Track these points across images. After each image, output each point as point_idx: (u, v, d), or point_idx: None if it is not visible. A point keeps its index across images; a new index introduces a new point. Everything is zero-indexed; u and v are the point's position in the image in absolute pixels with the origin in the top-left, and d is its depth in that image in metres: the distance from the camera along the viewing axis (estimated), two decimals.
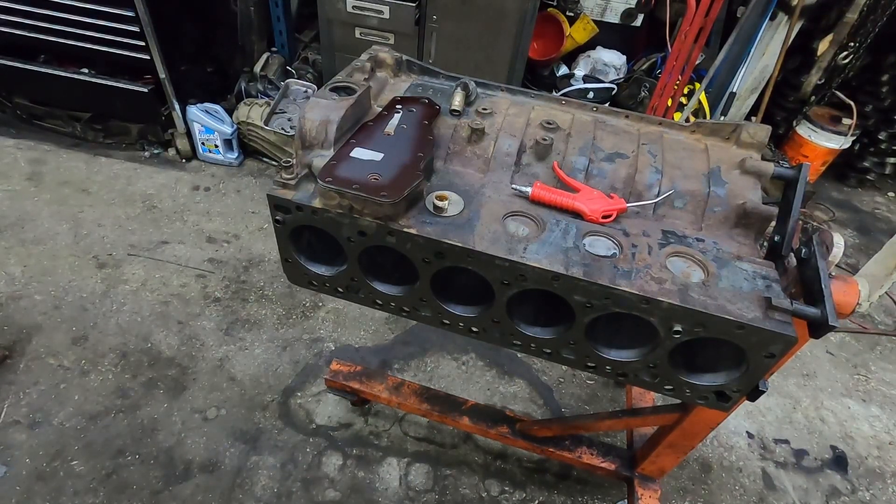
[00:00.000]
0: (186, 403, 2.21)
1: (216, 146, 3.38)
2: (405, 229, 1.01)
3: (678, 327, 0.96)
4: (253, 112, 3.26)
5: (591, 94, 3.45)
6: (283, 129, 3.18)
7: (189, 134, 3.38)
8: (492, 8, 2.79)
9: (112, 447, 2.05)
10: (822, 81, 3.46)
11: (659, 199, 1.14)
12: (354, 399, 2.16)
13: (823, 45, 3.28)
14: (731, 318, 0.92)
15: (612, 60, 3.58)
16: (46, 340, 2.37)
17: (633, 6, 3.34)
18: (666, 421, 1.59)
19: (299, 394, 2.30)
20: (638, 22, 3.42)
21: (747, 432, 2.35)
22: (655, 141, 1.25)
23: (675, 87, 3.09)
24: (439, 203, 1.05)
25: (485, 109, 1.27)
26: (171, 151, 3.50)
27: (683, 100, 3.32)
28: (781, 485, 2.19)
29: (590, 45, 3.61)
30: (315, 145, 1.13)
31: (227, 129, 3.30)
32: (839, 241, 1.03)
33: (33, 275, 2.64)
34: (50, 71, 3.16)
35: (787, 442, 2.34)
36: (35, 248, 2.78)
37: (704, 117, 3.38)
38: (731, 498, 2.14)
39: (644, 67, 3.54)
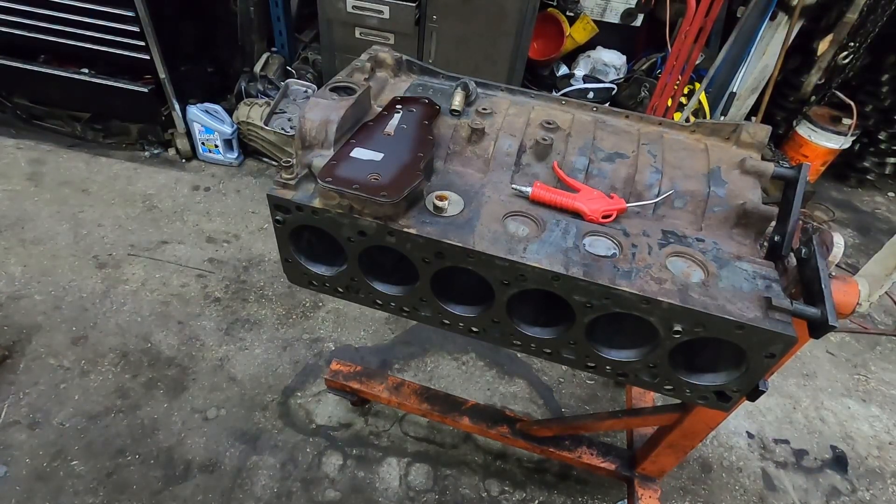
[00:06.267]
0: (186, 403, 2.21)
1: (216, 146, 3.38)
2: (405, 229, 1.01)
3: (678, 327, 0.96)
4: (253, 112, 3.26)
5: (591, 94, 3.45)
6: (283, 129, 3.18)
7: (189, 134, 3.38)
8: (492, 8, 2.79)
9: (112, 447, 2.05)
10: (822, 81, 3.46)
11: (659, 199, 1.14)
12: (354, 399, 2.16)
13: (823, 45, 3.28)
14: (732, 318, 0.92)
15: (612, 60, 3.58)
16: (46, 340, 2.37)
17: (633, 6, 3.34)
18: (666, 421, 1.59)
19: (299, 394, 2.30)
20: (638, 22, 3.42)
21: (747, 432, 2.35)
22: (655, 141, 1.24)
23: (675, 87, 3.09)
24: (439, 203, 1.05)
25: (485, 109, 1.27)
26: (171, 151, 3.49)
27: (683, 100, 3.32)
28: (781, 485, 2.19)
29: (590, 45, 3.61)
30: (315, 145, 1.12)
31: (227, 129, 3.30)
32: (839, 241, 1.03)
33: (33, 275, 2.63)
34: (50, 71, 3.16)
35: (787, 442, 2.34)
36: (35, 248, 2.77)
37: (704, 117, 3.38)
38: (731, 498, 2.14)
39: (644, 67, 3.54)
